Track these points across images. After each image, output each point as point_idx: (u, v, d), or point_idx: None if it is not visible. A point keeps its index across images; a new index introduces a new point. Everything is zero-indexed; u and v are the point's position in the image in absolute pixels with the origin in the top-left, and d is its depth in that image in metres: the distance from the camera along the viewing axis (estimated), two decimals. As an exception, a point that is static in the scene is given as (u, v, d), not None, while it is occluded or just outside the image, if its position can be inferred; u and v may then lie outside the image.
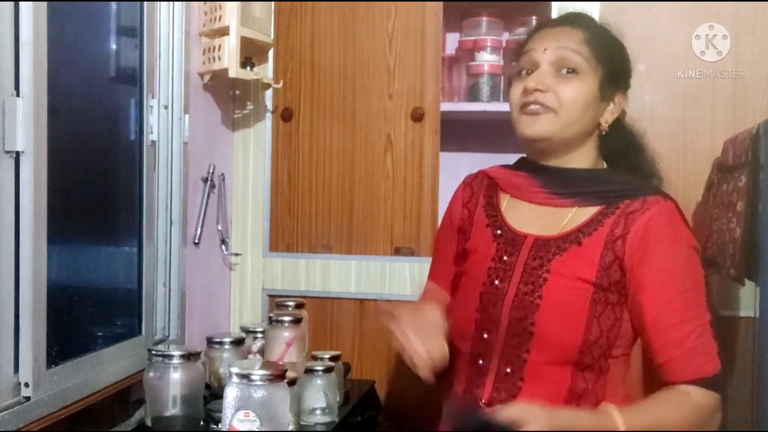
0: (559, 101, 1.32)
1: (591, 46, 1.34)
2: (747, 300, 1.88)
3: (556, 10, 1.99)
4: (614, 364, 1.32)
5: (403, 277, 2.10)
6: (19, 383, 1.31)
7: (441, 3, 2.08)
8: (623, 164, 1.43)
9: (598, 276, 1.30)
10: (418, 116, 2.09)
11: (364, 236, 2.14)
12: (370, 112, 2.12)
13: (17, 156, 1.30)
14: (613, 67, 1.37)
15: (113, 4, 1.70)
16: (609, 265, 1.30)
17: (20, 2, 1.29)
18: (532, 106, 1.34)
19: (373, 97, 2.12)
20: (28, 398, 1.32)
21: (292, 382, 1.45)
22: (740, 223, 1.57)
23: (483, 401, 1.32)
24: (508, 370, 1.31)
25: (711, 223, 1.80)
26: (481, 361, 1.35)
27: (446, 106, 2.11)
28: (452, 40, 2.30)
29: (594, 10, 1.97)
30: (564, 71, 1.33)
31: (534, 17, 2.14)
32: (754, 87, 1.92)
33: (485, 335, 1.35)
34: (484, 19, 2.17)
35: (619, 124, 1.42)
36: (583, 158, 1.39)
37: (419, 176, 2.10)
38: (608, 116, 1.39)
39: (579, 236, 1.33)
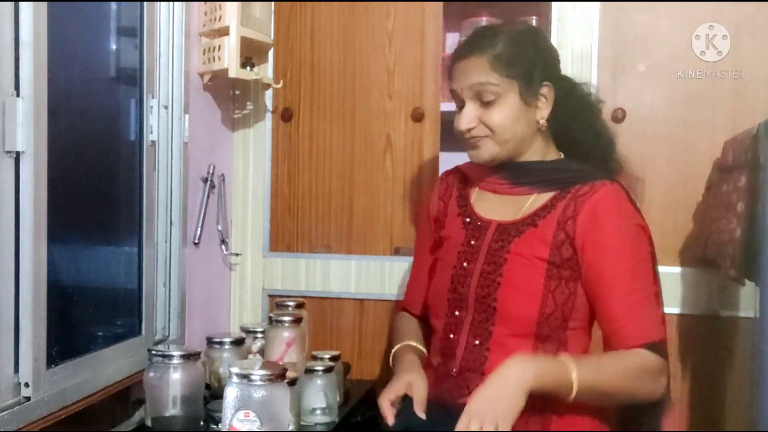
0: (490, 128, 1.47)
1: (499, 68, 1.45)
2: (747, 300, 1.88)
3: (556, 10, 1.99)
4: (572, 335, 1.46)
5: (402, 276, 2.10)
6: (19, 383, 1.31)
7: (441, 3, 2.08)
8: (570, 137, 1.55)
9: (551, 254, 1.44)
10: (418, 116, 2.09)
11: (364, 236, 2.14)
12: (370, 113, 2.12)
13: (17, 156, 1.30)
14: (526, 73, 1.47)
15: (113, 4, 1.70)
16: (561, 244, 1.44)
17: (20, 2, 1.29)
18: (471, 140, 1.50)
19: (372, 97, 2.12)
20: (28, 398, 1.32)
21: (292, 382, 1.45)
22: (740, 223, 1.57)
23: (454, 371, 1.46)
24: (477, 342, 1.46)
25: (711, 223, 1.80)
26: (452, 335, 1.50)
27: (446, 106, 2.10)
28: (452, 40, 2.29)
29: (594, 10, 1.97)
30: (484, 102, 1.46)
31: (534, 17, 2.14)
32: (754, 87, 1.92)
33: (456, 312, 1.50)
34: (484, 19, 2.17)
35: (562, 99, 1.51)
36: (535, 153, 1.53)
37: (419, 176, 2.10)
38: (542, 112, 1.50)
39: (535, 219, 1.48)
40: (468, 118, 1.48)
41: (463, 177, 1.64)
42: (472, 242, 1.51)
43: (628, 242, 1.43)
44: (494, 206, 1.55)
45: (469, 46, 1.50)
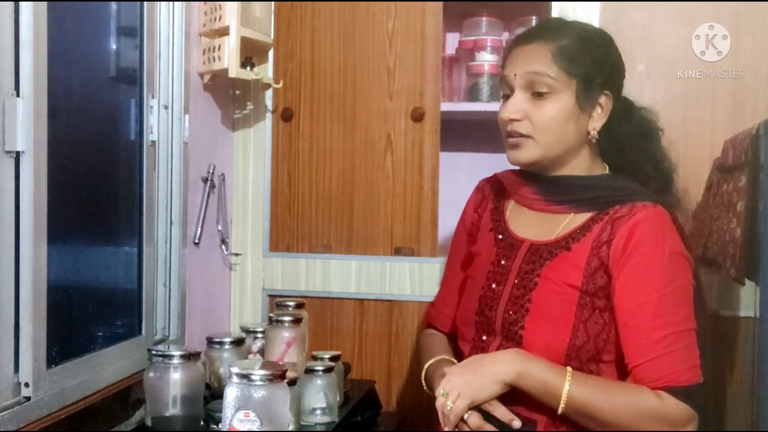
0: (534, 126, 1.35)
1: (561, 62, 1.34)
2: (747, 300, 1.88)
3: (556, 10, 1.99)
4: (606, 369, 1.34)
5: (403, 277, 2.10)
6: (19, 383, 1.31)
7: (441, 3, 2.08)
8: (631, 155, 1.45)
9: (584, 281, 1.33)
10: (418, 116, 2.09)
11: (364, 236, 2.14)
12: (370, 112, 2.12)
13: (17, 156, 1.30)
14: (589, 75, 1.36)
15: (113, 4, 1.70)
16: (595, 271, 1.33)
17: (20, 2, 1.29)
18: (511, 139, 1.38)
19: (373, 97, 2.12)
20: (28, 398, 1.32)
21: (292, 382, 1.45)
22: (740, 223, 1.57)
23: None
24: None
25: (711, 223, 1.80)
26: None
27: (446, 106, 2.11)
28: (452, 40, 2.30)
29: (594, 10, 1.97)
30: (536, 94, 1.35)
31: (534, 17, 2.14)
32: (754, 87, 1.92)
33: (484, 337, 1.41)
34: (484, 19, 2.18)
35: (619, 120, 1.42)
36: (579, 166, 1.42)
37: (419, 176, 2.10)
38: (596, 123, 1.39)
39: (569, 242, 1.37)
40: (514, 108, 1.36)
41: (500, 187, 1.53)
42: (503, 262, 1.40)
43: (660, 270, 1.29)
44: (529, 223, 1.44)
45: (533, 33, 1.40)
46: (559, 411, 1.27)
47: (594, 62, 1.38)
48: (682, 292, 1.31)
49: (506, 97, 1.40)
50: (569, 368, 1.29)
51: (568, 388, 1.26)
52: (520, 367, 1.28)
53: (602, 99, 1.39)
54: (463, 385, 1.28)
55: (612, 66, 1.42)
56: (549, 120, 1.34)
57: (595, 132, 1.39)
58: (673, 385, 1.26)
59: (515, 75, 1.36)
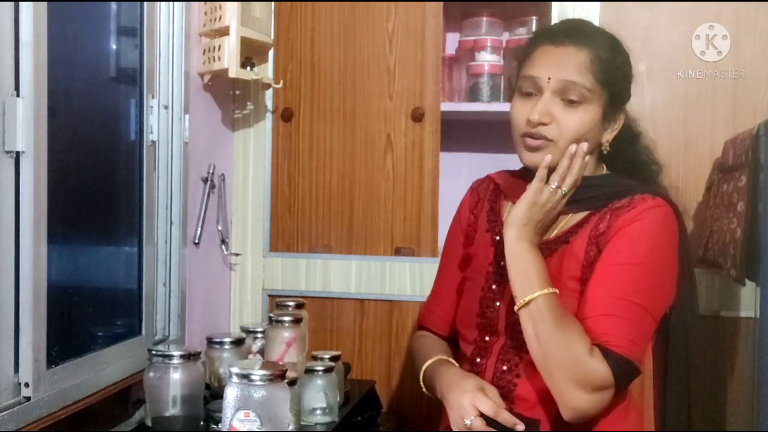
0: (560, 132, 1.33)
1: (596, 71, 1.33)
2: (747, 300, 1.88)
3: (556, 10, 1.99)
4: None
5: (403, 277, 2.10)
6: (19, 383, 1.31)
7: (441, 3, 2.08)
8: (621, 158, 1.45)
9: (582, 271, 1.33)
10: (418, 116, 2.09)
11: (365, 236, 2.14)
12: (370, 112, 2.12)
13: (17, 156, 1.30)
14: (617, 88, 1.36)
15: (113, 4, 1.70)
16: (593, 260, 1.32)
17: (20, 2, 1.29)
18: (533, 141, 1.34)
19: (373, 97, 2.12)
20: (28, 398, 1.32)
21: (292, 382, 1.45)
22: (741, 223, 1.57)
23: None
24: (505, 368, 1.36)
25: (711, 223, 1.80)
26: (479, 359, 1.40)
27: (446, 106, 2.11)
28: (452, 40, 2.30)
29: (594, 10, 1.97)
30: (567, 101, 1.33)
31: (534, 17, 2.14)
32: (754, 87, 1.92)
33: (486, 337, 1.40)
34: (484, 19, 2.17)
35: (617, 138, 1.42)
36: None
37: (419, 176, 2.10)
38: (609, 136, 1.39)
39: (568, 236, 1.37)
40: (544, 109, 1.32)
41: (495, 188, 1.53)
42: (502, 263, 1.36)
43: (643, 247, 1.29)
44: None
45: (565, 34, 1.36)
46: (516, 308, 1.28)
47: (624, 77, 1.38)
48: (654, 278, 1.30)
49: (527, 95, 1.36)
50: (555, 289, 1.28)
51: (537, 294, 1.26)
52: (517, 248, 1.30)
53: (620, 114, 1.39)
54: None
55: (630, 82, 1.42)
56: (578, 128, 1.32)
57: (607, 144, 1.39)
58: (604, 343, 1.24)
59: (549, 79, 1.32)
